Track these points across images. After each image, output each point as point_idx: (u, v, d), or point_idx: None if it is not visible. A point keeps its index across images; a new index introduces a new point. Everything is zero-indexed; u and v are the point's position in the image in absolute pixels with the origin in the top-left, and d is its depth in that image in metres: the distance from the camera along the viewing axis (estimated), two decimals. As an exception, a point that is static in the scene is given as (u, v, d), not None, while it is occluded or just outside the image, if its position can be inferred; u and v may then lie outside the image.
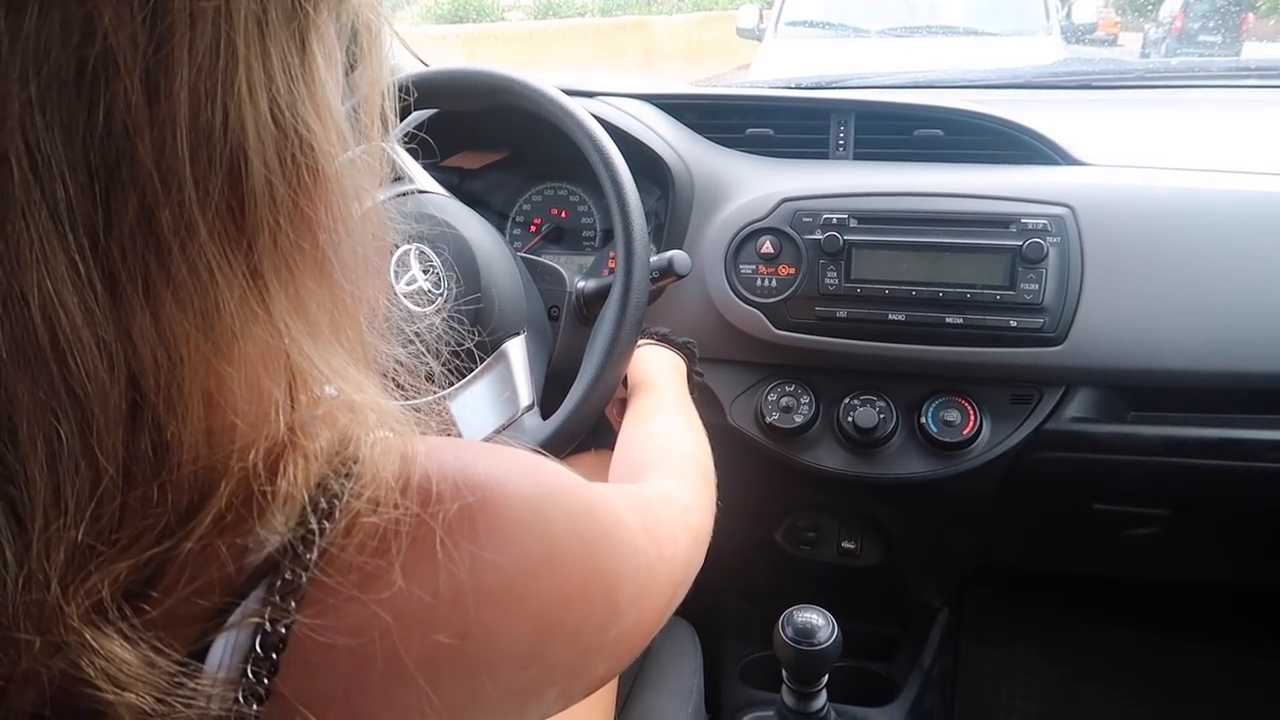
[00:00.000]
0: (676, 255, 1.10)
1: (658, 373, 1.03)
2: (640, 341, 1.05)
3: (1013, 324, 1.13)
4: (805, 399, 1.24)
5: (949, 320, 1.15)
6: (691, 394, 1.05)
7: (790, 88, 1.62)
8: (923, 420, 1.20)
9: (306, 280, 0.40)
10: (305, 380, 0.41)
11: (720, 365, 1.28)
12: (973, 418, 1.19)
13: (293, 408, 0.41)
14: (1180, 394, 1.17)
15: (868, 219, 1.19)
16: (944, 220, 1.17)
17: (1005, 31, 5.25)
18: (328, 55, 0.40)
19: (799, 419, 1.23)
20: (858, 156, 1.36)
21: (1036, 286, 1.13)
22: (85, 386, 0.35)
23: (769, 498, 1.40)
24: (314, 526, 0.39)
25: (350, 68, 0.44)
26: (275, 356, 0.40)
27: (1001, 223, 1.15)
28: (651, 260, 1.08)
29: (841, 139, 1.36)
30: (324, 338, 0.42)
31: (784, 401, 1.24)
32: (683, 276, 1.10)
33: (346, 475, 0.41)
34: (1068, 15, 6.84)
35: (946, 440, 1.18)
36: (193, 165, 0.35)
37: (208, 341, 0.37)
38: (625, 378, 1.06)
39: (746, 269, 1.22)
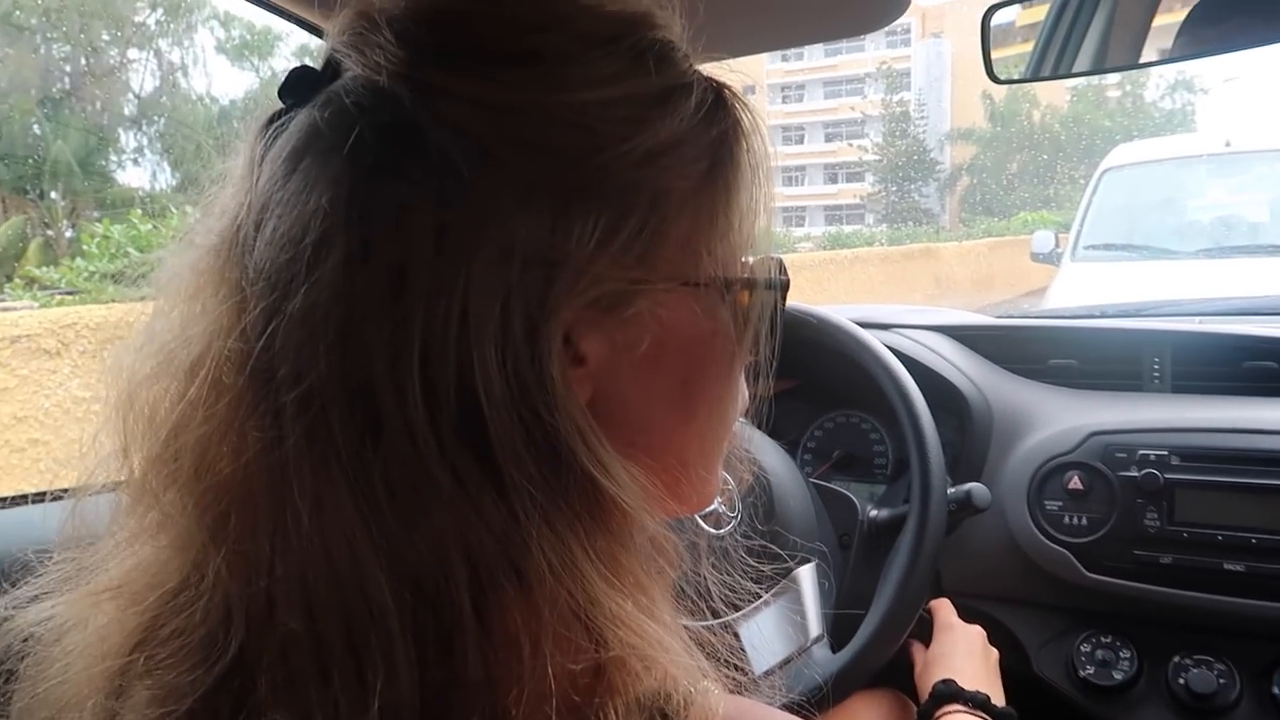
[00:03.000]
0: (975, 488, 1.07)
1: None
2: (954, 709, 0.95)
3: (1387, 584, 0.98)
4: (1125, 653, 1.12)
5: (1301, 575, 1.01)
6: None
7: (1095, 316, 1.57)
8: (1275, 690, 1.04)
9: (603, 527, 0.42)
10: (602, 630, 0.41)
11: (1023, 608, 1.20)
12: (1341, 693, 1.01)
13: (596, 647, 0.41)
14: None
15: (1193, 456, 1.10)
16: (1287, 461, 1.05)
17: (1344, 250, 4.77)
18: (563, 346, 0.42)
19: (1119, 676, 1.10)
20: (1176, 389, 1.28)
21: None
22: (384, 606, 0.38)
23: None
24: None
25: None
26: (566, 601, 0.40)
27: (1361, 466, 1.02)
28: (948, 492, 1.05)
29: (1157, 371, 1.29)
30: (615, 584, 0.42)
31: (1100, 654, 1.13)
32: (982, 510, 1.07)
33: None
34: None
35: (1309, 718, 1.01)
36: (430, 416, 0.38)
37: (495, 580, 0.39)
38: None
39: (1052, 505, 1.16)
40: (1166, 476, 1.10)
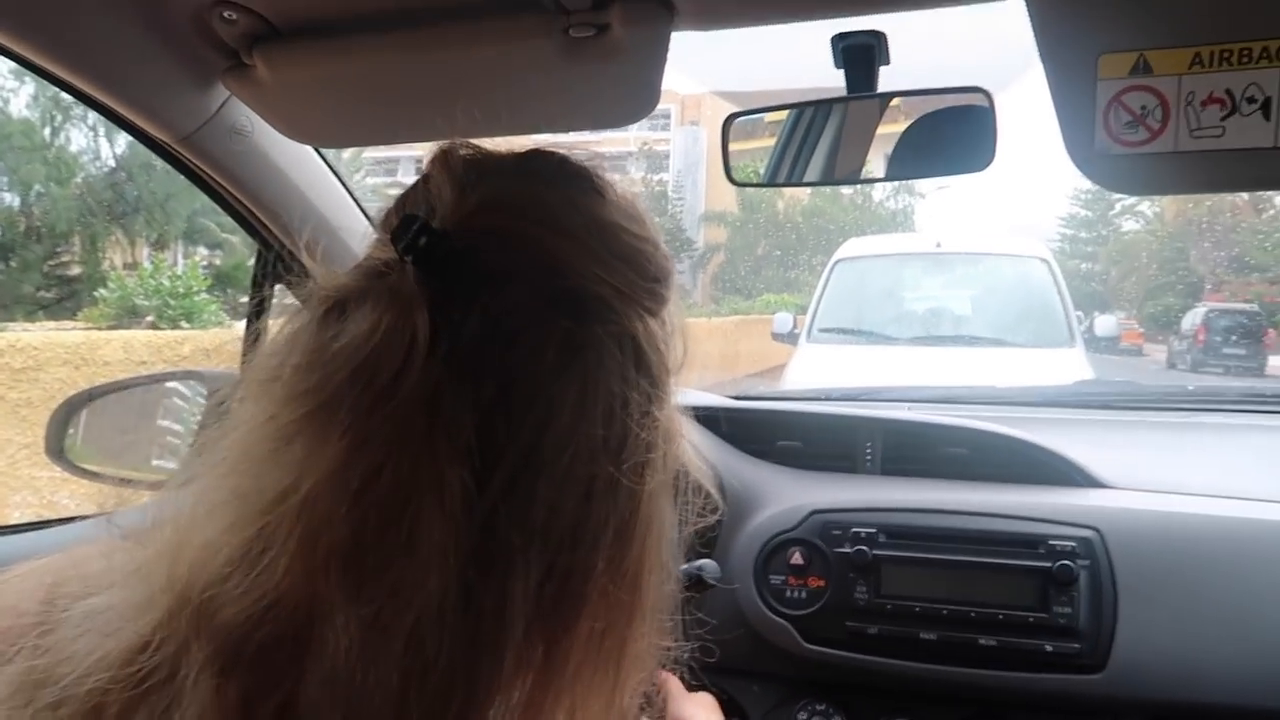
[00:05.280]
0: (706, 564, 1.11)
1: None
2: None
3: (1048, 648, 1.11)
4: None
5: (982, 641, 1.13)
6: None
7: (820, 399, 1.69)
8: (963, 748, 1.15)
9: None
10: None
11: (749, 678, 1.25)
12: (1014, 748, 1.13)
13: None
14: (1233, 730, 1.12)
15: (896, 534, 1.21)
16: (972, 539, 1.18)
17: (1028, 343, 5.46)
18: None
19: (831, 742, 1.18)
20: (885, 471, 1.40)
21: (1070, 610, 1.12)
22: None
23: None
24: None
25: None
26: None
27: (1029, 544, 1.16)
28: (681, 568, 1.09)
29: (869, 454, 1.41)
30: None
31: (814, 722, 1.20)
32: (712, 586, 1.11)
33: None
34: (1090, 329, 7.13)
35: (987, 772, 1.12)
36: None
37: None
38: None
39: (776, 579, 1.23)
40: (874, 552, 1.20)
